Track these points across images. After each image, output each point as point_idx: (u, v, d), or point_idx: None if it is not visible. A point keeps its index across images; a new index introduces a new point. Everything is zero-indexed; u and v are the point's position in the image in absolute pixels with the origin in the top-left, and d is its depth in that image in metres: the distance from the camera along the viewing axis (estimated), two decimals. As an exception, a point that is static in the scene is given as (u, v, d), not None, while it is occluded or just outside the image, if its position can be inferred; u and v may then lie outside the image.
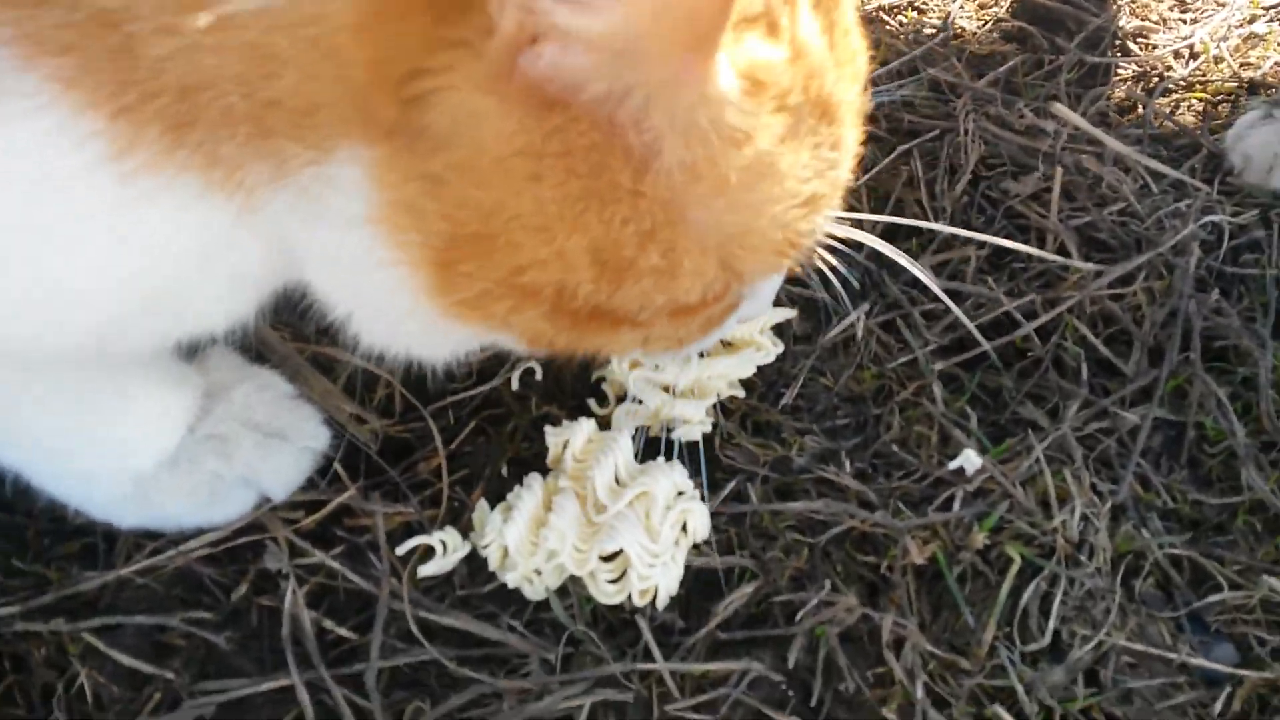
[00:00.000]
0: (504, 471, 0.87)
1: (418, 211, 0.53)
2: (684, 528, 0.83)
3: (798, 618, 0.81)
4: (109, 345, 0.65)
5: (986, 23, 1.31)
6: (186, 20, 0.48)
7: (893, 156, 1.11)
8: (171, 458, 0.79)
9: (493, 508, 0.83)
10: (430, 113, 0.50)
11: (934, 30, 1.28)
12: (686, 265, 0.57)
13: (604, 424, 0.88)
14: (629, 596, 0.80)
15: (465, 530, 0.83)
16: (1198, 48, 1.30)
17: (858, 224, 0.64)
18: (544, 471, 0.86)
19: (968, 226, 1.06)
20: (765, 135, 0.54)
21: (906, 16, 1.32)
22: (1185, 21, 1.36)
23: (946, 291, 1.01)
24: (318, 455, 0.84)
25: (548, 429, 0.87)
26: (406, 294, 0.56)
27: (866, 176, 1.09)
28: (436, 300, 0.57)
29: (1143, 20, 1.35)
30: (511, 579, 0.81)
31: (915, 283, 1.02)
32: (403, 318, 0.60)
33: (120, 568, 0.79)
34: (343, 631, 0.79)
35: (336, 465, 0.84)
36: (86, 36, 0.48)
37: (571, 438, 0.85)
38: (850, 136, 0.60)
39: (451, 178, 0.52)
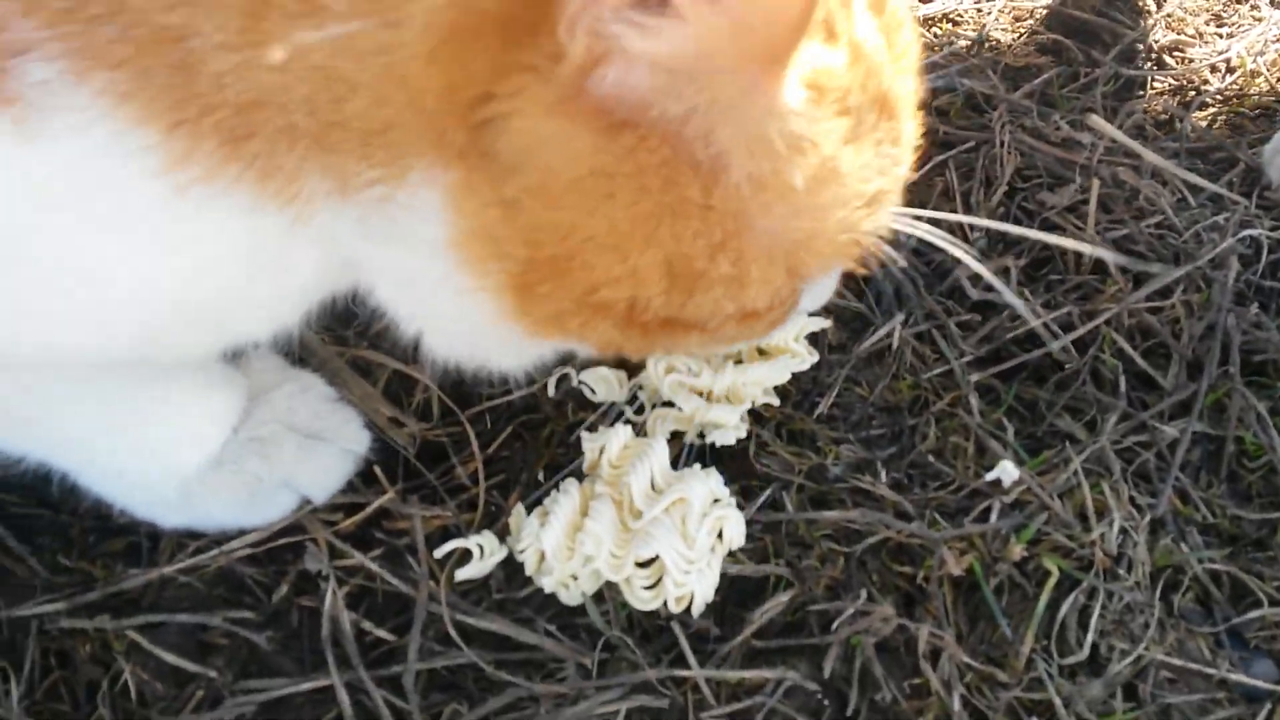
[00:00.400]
0: (540, 477, 0.87)
1: (496, 238, 0.54)
2: (720, 535, 0.82)
3: (833, 627, 0.80)
4: (155, 353, 0.65)
5: (1021, 35, 1.31)
6: (249, 39, 0.48)
7: (928, 167, 1.11)
8: (214, 459, 0.80)
9: (529, 513, 0.83)
10: (502, 137, 0.51)
11: (969, 42, 1.28)
12: (755, 273, 0.57)
13: (640, 431, 0.88)
14: (664, 603, 0.80)
15: (502, 534, 0.83)
16: (1234, 62, 1.29)
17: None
18: (580, 477, 0.86)
19: (1003, 238, 1.06)
20: (829, 140, 0.54)
21: (941, 28, 1.32)
22: (1221, 36, 1.35)
23: (982, 303, 1.01)
24: (358, 458, 0.84)
25: (584, 435, 0.87)
26: (485, 316, 0.57)
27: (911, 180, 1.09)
28: (515, 321, 0.57)
29: (1179, 34, 1.34)
30: (548, 584, 0.81)
31: (951, 293, 1.01)
32: (480, 336, 0.61)
33: (163, 566, 0.80)
34: (381, 633, 0.79)
35: (376, 469, 0.84)
36: (144, 52, 0.48)
37: (608, 444, 0.85)
38: (909, 129, 0.60)
39: (526, 202, 0.53)
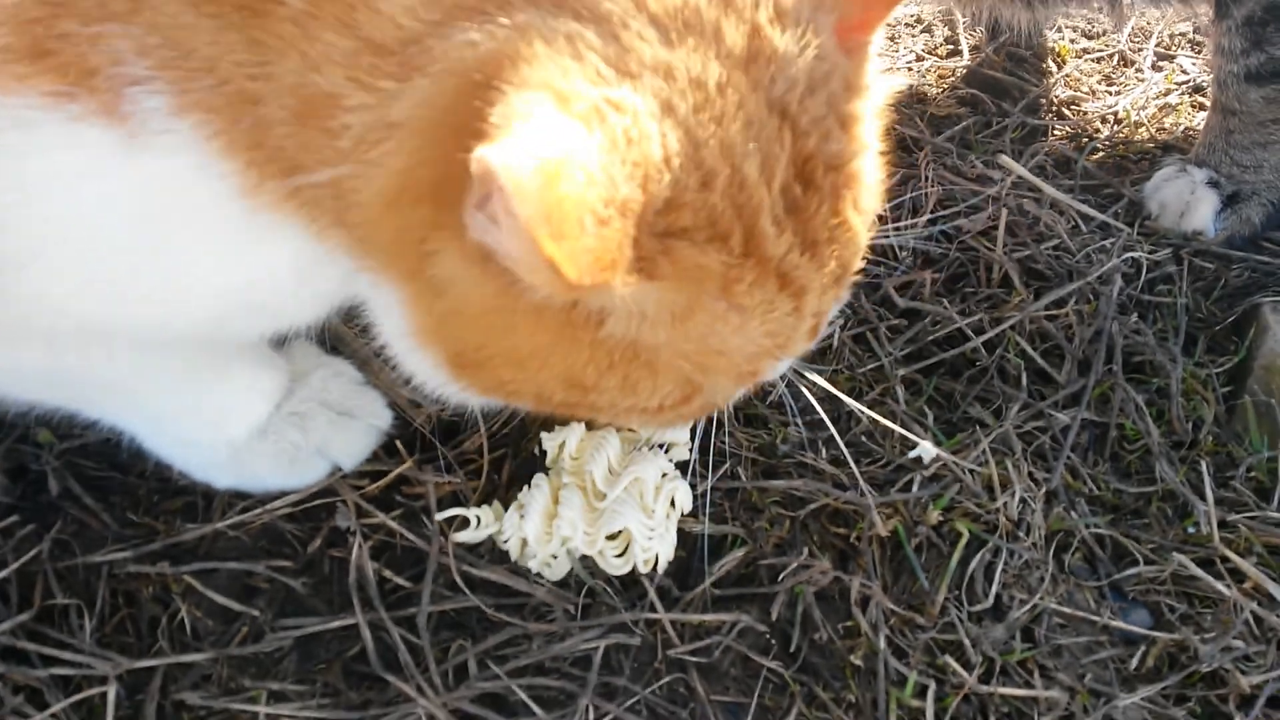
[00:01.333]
0: (535, 451, 0.85)
1: (435, 334, 0.56)
2: (672, 502, 0.80)
3: (780, 578, 0.79)
4: (220, 331, 0.66)
5: (945, 90, 1.30)
6: (299, 128, 0.50)
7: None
8: (260, 429, 0.78)
9: (521, 479, 0.81)
10: (436, 270, 0.52)
11: (902, 96, 1.27)
12: (644, 387, 0.57)
13: (590, 424, 0.84)
14: (634, 567, 0.79)
15: (506, 503, 0.81)
16: (1120, 115, 1.29)
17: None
18: (545, 471, 0.83)
19: (927, 257, 1.05)
20: (703, 315, 0.53)
21: (879, 83, 1.31)
22: (1110, 93, 1.34)
23: (908, 311, 1.00)
24: (382, 433, 0.83)
25: (544, 435, 0.83)
26: (437, 377, 0.59)
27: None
28: (454, 382, 0.59)
29: (1075, 91, 1.33)
30: (534, 565, 0.78)
31: (882, 303, 1.00)
32: (440, 386, 0.61)
33: (216, 522, 0.78)
34: (399, 580, 0.77)
35: (397, 442, 0.83)
36: (229, 104, 0.50)
37: (567, 439, 0.82)
38: (813, 300, 0.57)
39: (449, 319, 0.54)
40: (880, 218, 1.08)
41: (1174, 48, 1.42)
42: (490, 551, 0.80)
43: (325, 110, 0.49)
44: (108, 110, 0.50)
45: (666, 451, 0.83)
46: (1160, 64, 1.39)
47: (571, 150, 0.43)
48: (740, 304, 0.53)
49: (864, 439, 0.89)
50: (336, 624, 0.75)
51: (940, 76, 1.33)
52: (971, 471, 0.86)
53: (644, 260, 0.47)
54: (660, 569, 0.79)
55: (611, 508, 0.78)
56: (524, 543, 0.79)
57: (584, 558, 0.79)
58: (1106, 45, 1.42)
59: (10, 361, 0.64)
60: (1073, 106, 1.31)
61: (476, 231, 0.46)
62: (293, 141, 0.50)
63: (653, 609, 0.77)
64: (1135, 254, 1.05)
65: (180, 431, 0.77)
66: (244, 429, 0.77)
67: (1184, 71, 1.38)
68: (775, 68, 0.51)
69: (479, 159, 0.41)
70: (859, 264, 0.61)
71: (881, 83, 0.58)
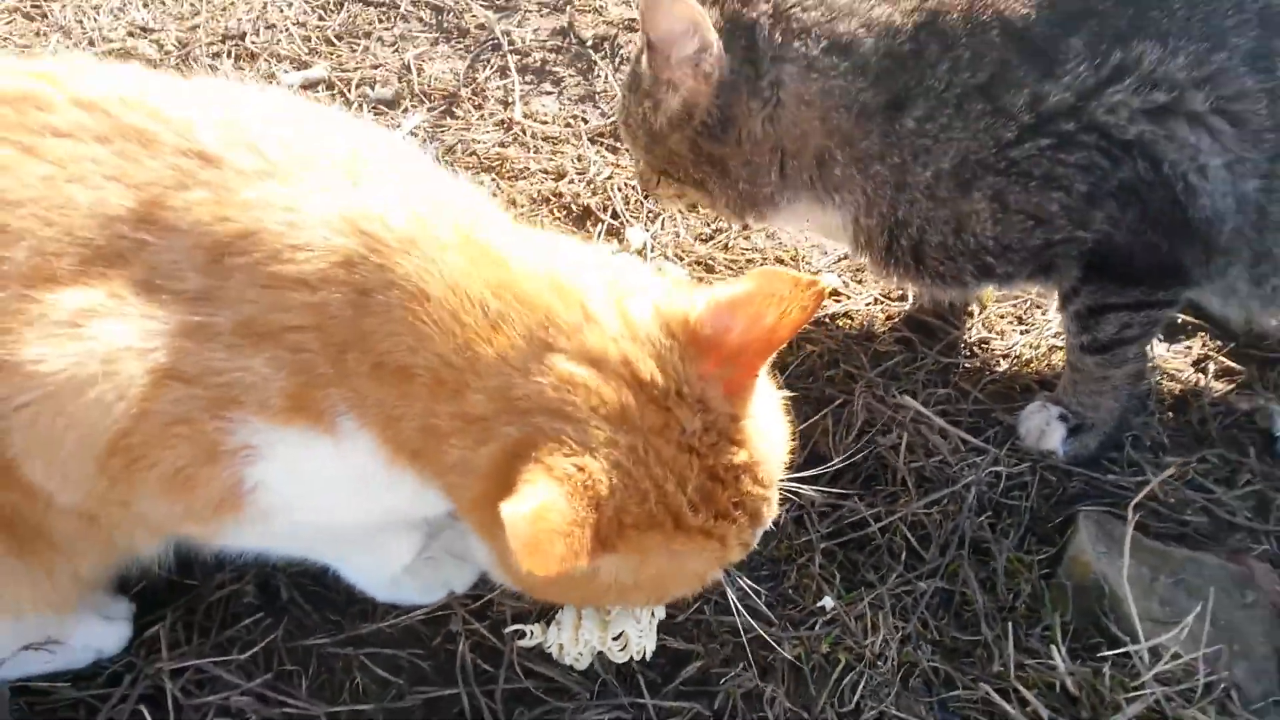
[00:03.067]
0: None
1: (506, 573, 1.01)
2: (652, 614, 1.24)
3: (722, 682, 1.23)
4: (376, 528, 1.14)
5: (887, 329, 1.75)
6: (423, 442, 0.93)
7: (818, 415, 1.55)
8: (408, 568, 1.26)
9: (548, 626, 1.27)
10: (499, 540, 0.85)
11: (855, 334, 1.73)
12: (631, 597, 1.03)
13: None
14: (630, 656, 1.24)
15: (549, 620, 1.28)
16: (1018, 353, 1.73)
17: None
18: None
19: (852, 461, 1.49)
20: (654, 564, 0.92)
21: (841, 321, 1.77)
22: (1019, 332, 1.76)
23: (830, 504, 1.45)
24: (483, 569, 1.30)
25: None
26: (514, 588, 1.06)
27: (804, 424, 1.52)
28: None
29: (989, 332, 1.76)
30: (568, 659, 1.24)
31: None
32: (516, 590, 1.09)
33: (378, 622, 1.27)
34: (486, 667, 1.24)
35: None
36: (386, 421, 0.92)
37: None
38: (734, 538, 0.94)
39: (512, 569, 0.92)
40: (825, 432, 1.53)
41: (1074, 295, 1.85)
42: (543, 654, 1.26)
43: (438, 439, 0.87)
44: (327, 429, 0.89)
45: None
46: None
47: (550, 499, 0.79)
48: (678, 553, 0.90)
49: (790, 591, 1.34)
50: (448, 692, 1.21)
51: (888, 318, 1.79)
52: (856, 619, 1.30)
53: (605, 542, 0.83)
54: (647, 657, 1.23)
55: (615, 619, 1.23)
56: (560, 646, 1.25)
57: (600, 653, 1.24)
58: (1024, 291, 1.86)
59: (258, 546, 1.13)
60: (983, 345, 1.74)
61: None
62: (417, 442, 0.89)
63: (641, 696, 1.22)
64: (998, 468, 1.48)
65: (361, 568, 1.25)
66: (399, 567, 1.26)
67: (1077, 316, 1.80)
68: (681, 426, 0.87)
69: (502, 510, 0.77)
70: (773, 510, 1.00)
71: (772, 392, 0.99)
